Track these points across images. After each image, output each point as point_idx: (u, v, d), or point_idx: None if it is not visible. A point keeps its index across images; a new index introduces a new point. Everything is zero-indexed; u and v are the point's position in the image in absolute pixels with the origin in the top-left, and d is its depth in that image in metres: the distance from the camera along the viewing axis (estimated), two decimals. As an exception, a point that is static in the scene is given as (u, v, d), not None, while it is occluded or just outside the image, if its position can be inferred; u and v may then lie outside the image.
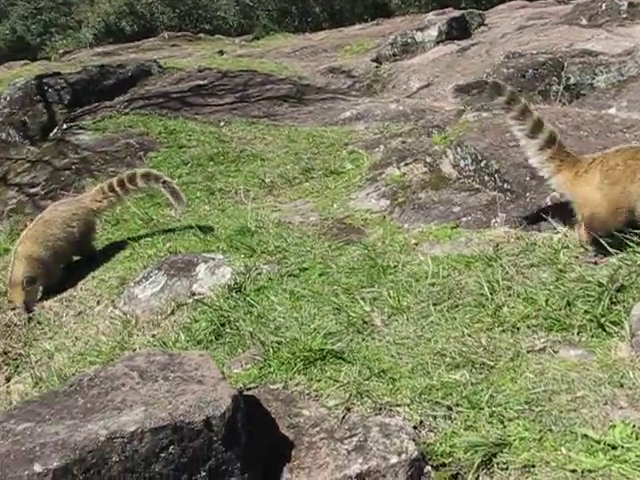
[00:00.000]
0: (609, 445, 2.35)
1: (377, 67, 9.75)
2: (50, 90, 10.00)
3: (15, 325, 4.86)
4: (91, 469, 2.22)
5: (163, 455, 2.26)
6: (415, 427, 2.61)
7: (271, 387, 2.91)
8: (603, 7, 8.82)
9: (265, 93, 8.77)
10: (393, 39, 10.30)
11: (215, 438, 2.30)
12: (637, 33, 7.95)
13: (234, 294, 3.81)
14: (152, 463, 2.26)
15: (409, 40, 10.12)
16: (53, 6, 31.14)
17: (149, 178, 5.18)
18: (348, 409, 2.72)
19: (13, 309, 4.89)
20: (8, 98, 10.05)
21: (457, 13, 10.77)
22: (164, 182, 5.17)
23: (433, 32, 10.06)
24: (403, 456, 2.44)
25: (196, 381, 2.49)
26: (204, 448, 2.30)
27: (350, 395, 2.78)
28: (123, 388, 2.52)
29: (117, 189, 5.19)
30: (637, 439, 2.36)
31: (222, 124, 7.58)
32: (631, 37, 7.75)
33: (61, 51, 24.75)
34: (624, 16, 8.56)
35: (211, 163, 6.39)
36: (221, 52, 14.40)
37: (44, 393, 2.95)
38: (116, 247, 5.16)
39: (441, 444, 2.53)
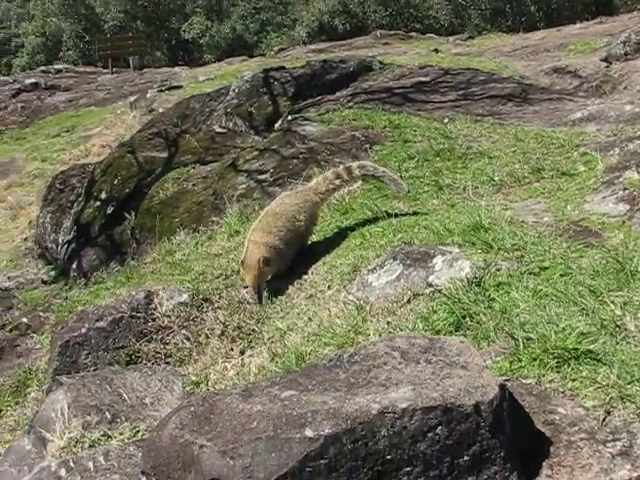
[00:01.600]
0: None
1: (607, 67, 9.30)
2: (275, 83, 10.47)
3: (248, 302, 5.10)
4: (359, 440, 2.30)
5: (430, 435, 2.30)
6: (684, 440, 2.48)
7: (523, 382, 2.87)
8: None
9: (488, 91, 8.65)
10: (626, 37, 9.69)
11: (483, 424, 2.31)
12: None
13: (474, 287, 3.79)
14: (418, 442, 2.30)
15: (645, 38, 9.53)
16: (271, 5, 32.66)
17: (366, 168, 5.40)
18: (608, 412, 2.64)
19: (245, 287, 5.14)
20: (236, 90, 10.67)
21: None
22: (383, 171, 5.37)
23: (675, 29, 9.36)
24: (676, 468, 2.34)
25: (459, 366, 2.51)
26: (470, 433, 2.32)
27: (610, 398, 2.69)
28: (385, 367, 2.59)
29: (336, 181, 5.37)
30: None
31: (446, 121, 7.56)
32: None
33: (276, 48, 25.92)
34: None
35: (437, 159, 6.38)
36: (436, 50, 14.43)
37: (303, 366, 3.09)
38: (346, 235, 5.27)
39: None
